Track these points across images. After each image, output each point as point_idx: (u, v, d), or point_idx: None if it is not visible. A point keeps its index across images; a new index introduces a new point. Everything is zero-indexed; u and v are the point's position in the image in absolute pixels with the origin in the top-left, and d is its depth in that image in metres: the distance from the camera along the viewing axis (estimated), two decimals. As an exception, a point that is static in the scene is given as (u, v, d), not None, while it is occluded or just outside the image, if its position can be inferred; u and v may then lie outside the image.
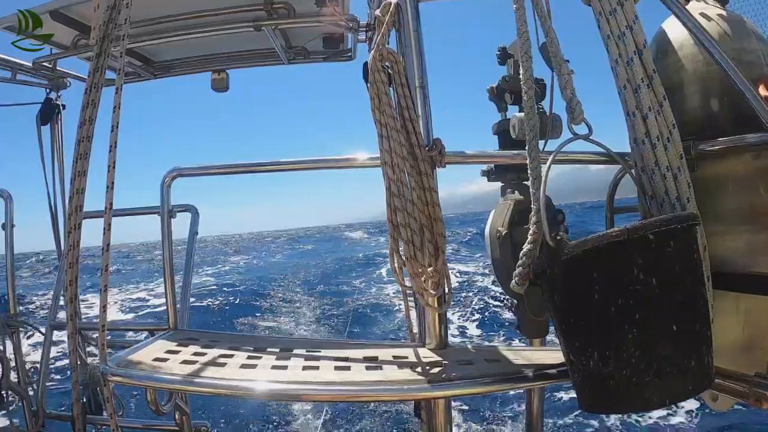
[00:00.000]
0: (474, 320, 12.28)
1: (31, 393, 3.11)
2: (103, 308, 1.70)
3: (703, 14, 1.58)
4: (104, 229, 1.70)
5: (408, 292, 1.71)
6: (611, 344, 1.13)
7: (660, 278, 1.11)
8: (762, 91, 1.39)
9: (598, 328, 1.16)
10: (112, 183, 1.69)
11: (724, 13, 1.62)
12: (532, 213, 1.35)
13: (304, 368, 1.53)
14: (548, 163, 1.36)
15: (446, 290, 1.56)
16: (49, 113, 3.63)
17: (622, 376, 1.12)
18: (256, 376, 1.48)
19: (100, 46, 1.87)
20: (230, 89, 3.57)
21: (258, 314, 14.29)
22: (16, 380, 3.14)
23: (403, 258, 1.49)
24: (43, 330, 3.25)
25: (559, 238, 1.24)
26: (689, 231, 1.17)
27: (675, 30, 1.62)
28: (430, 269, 1.50)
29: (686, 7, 1.57)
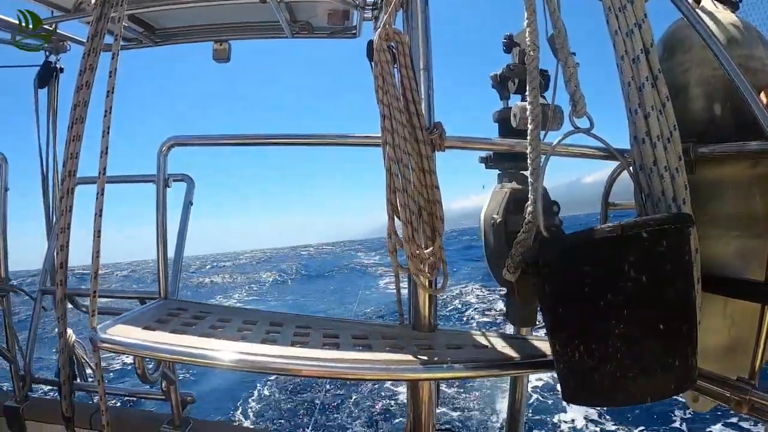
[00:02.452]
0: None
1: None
2: (95, 274, 1.69)
3: (712, 18, 1.58)
4: (97, 194, 1.70)
5: (400, 273, 1.72)
6: (598, 337, 1.14)
7: (650, 276, 1.12)
8: (764, 98, 1.39)
9: (586, 321, 1.17)
10: (107, 148, 1.69)
11: (734, 18, 1.61)
12: (529, 203, 1.35)
13: (293, 343, 1.54)
14: (548, 154, 1.36)
15: (442, 273, 1.57)
16: (47, 76, 3.58)
17: (606, 370, 1.14)
18: (245, 348, 1.48)
19: (100, 10, 1.84)
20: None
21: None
22: (4, 344, 3.15)
23: (401, 239, 1.50)
24: (33, 295, 3.25)
25: (554, 229, 1.25)
26: (682, 232, 1.18)
27: (683, 31, 1.61)
28: (427, 251, 1.51)
29: (696, 9, 1.57)
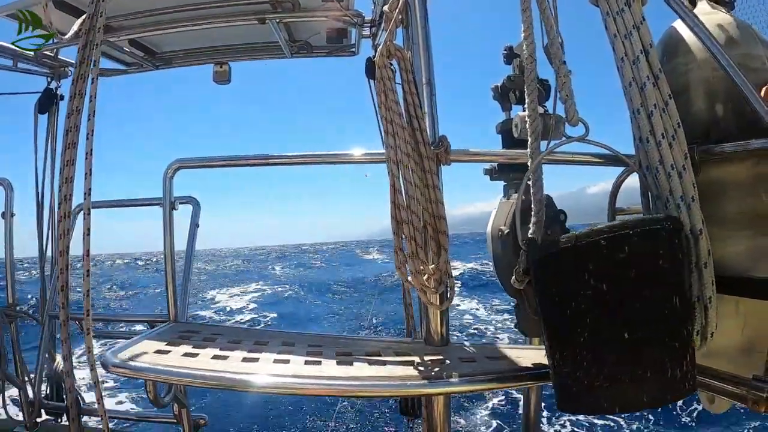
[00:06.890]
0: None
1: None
2: (86, 293, 1.70)
3: (709, 19, 1.58)
4: (84, 214, 1.74)
5: (411, 289, 1.71)
6: (567, 347, 1.15)
7: (612, 284, 1.11)
8: (766, 96, 1.39)
9: (558, 330, 1.18)
10: (90, 170, 1.74)
11: (730, 18, 1.61)
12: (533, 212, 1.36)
13: (306, 363, 1.53)
14: (537, 162, 1.36)
15: (448, 288, 1.56)
16: (47, 102, 3.62)
17: (576, 378, 1.14)
18: (258, 369, 1.47)
19: (85, 38, 1.88)
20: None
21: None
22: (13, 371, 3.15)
23: (406, 255, 1.50)
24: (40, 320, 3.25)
25: (548, 236, 1.25)
26: (650, 238, 1.14)
27: (681, 34, 1.62)
28: (431, 267, 1.50)
29: (693, 11, 1.58)
